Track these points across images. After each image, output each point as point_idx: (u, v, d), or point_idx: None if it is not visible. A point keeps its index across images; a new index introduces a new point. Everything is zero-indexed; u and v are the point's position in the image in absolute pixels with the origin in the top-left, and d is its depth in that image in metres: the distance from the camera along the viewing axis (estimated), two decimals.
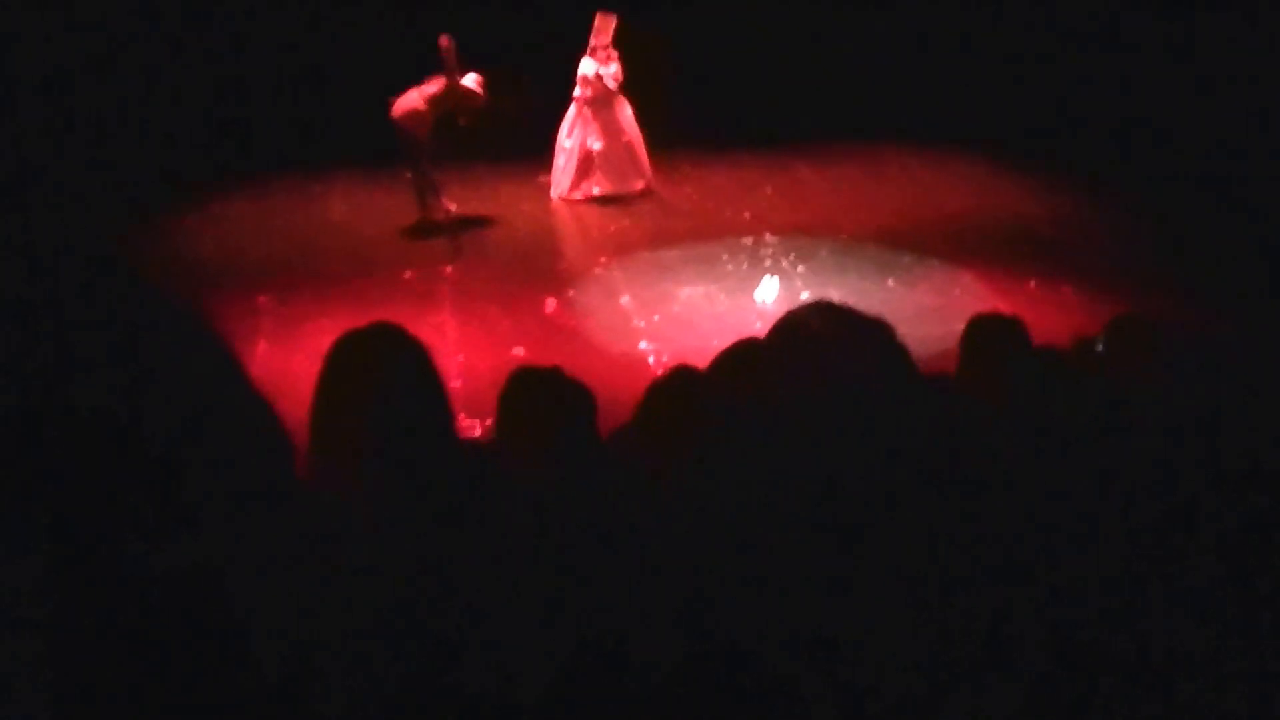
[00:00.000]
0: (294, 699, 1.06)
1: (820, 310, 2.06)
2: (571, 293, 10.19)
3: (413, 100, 11.32)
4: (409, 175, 11.82)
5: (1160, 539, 2.23)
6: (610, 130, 12.47)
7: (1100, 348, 2.98)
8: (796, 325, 2.08)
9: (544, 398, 4.11)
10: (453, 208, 11.94)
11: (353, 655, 1.13)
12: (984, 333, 4.13)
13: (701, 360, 4.23)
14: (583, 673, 2.13)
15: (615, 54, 12.32)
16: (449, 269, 10.71)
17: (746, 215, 11.91)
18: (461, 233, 11.65)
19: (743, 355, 2.31)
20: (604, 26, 12.24)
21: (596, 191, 12.48)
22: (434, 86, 11.35)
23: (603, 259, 10.96)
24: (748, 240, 11.21)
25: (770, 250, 10.95)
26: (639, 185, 12.58)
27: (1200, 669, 2.02)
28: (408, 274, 10.60)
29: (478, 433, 7.15)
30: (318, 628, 1.08)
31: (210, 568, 1.02)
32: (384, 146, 12.65)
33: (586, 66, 12.34)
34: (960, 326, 4.32)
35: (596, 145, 12.45)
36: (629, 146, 12.54)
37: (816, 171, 13.28)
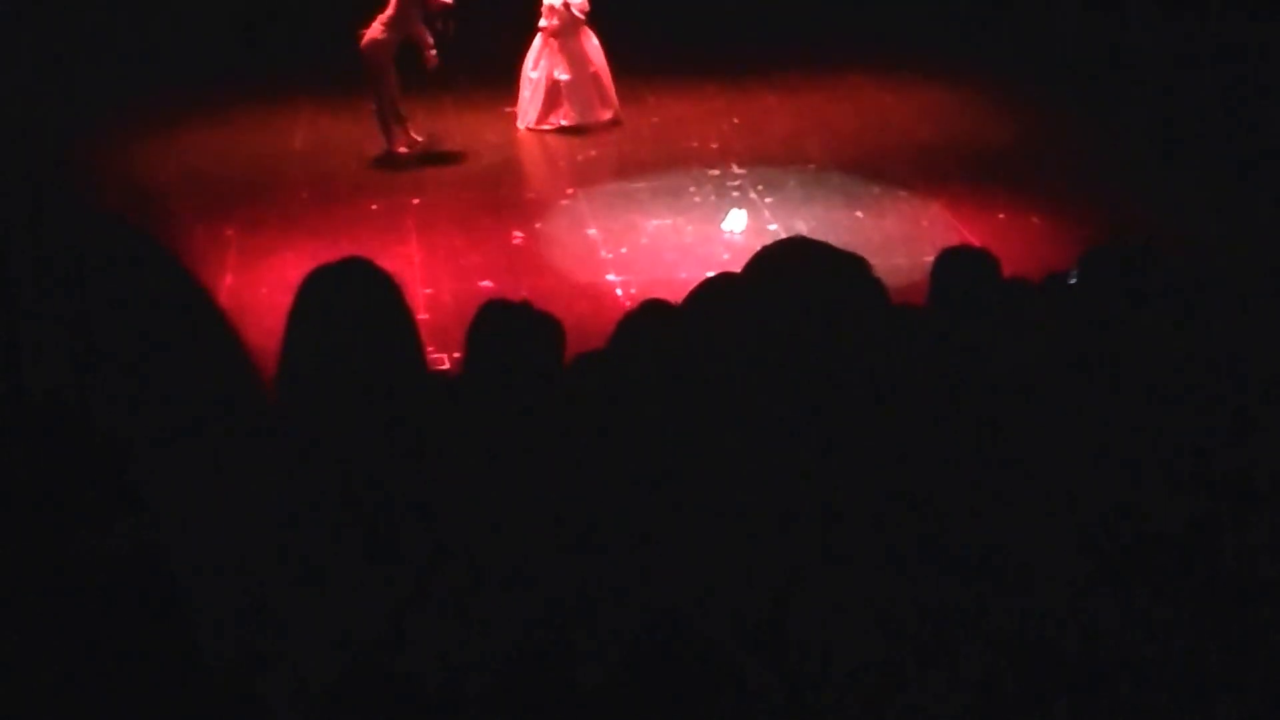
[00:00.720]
0: (241, 688, 1.04)
1: (796, 245, 2.02)
2: (538, 224, 10.14)
3: (374, 29, 11.15)
4: (373, 107, 11.70)
5: (1111, 538, 2.26)
6: (577, 61, 12.32)
7: (1073, 280, 2.98)
8: (772, 260, 2.04)
9: (514, 330, 4.12)
10: (419, 139, 11.83)
11: (298, 641, 1.08)
12: (955, 265, 4.12)
13: (668, 292, 4.23)
14: (527, 665, 2.14)
15: None
16: (415, 200, 10.64)
17: (713, 146, 11.86)
18: (427, 164, 11.56)
19: (718, 290, 2.28)
20: None
21: (564, 122, 12.37)
22: (390, 8, 11.15)
23: (570, 190, 10.90)
24: (714, 171, 11.17)
25: (737, 181, 10.92)
26: (606, 115, 12.48)
27: (1147, 672, 2.05)
28: (374, 205, 10.54)
29: (446, 366, 7.15)
30: (264, 614, 1.06)
31: (156, 550, 0.99)
32: (347, 74, 12.54)
33: None
34: (929, 258, 4.34)
35: (563, 76, 12.31)
36: (595, 77, 12.41)
37: (782, 101, 13.19)
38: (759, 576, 1.77)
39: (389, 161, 11.56)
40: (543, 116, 12.40)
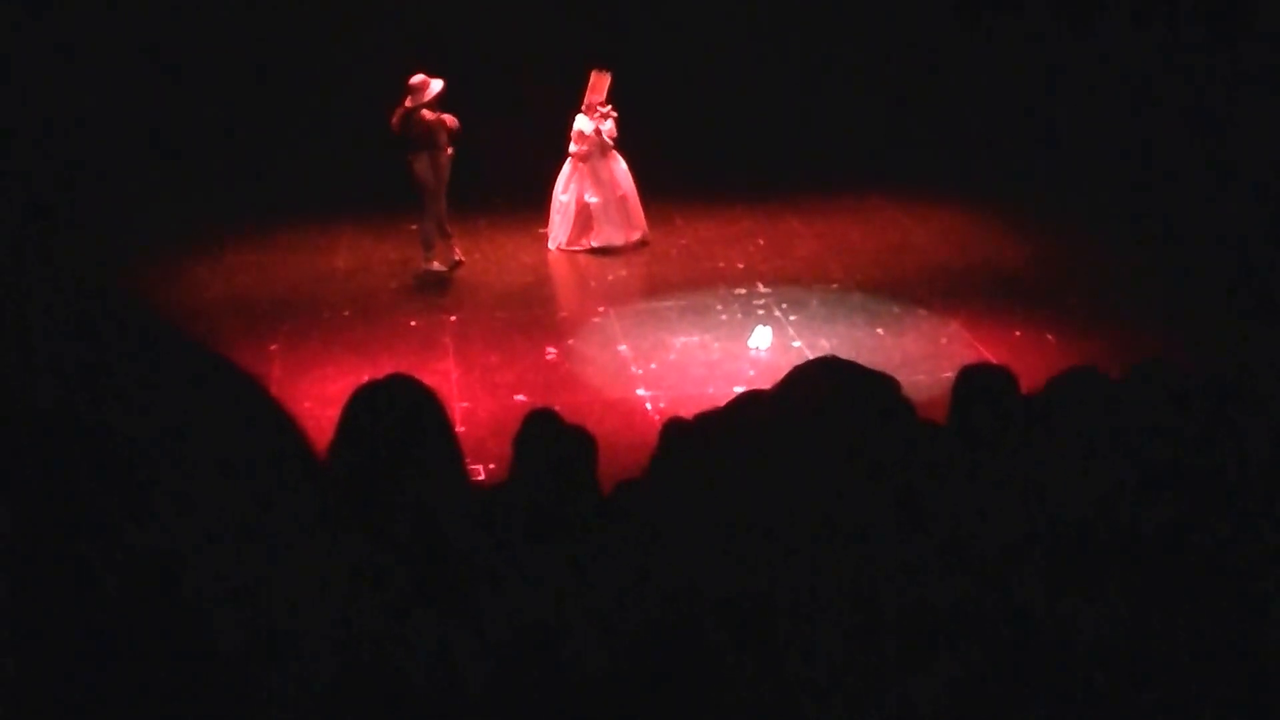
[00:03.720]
0: (245, 687, 1.05)
1: (828, 365, 2.10)
2: (571, 341, 10.39)
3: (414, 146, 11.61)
4: (414, 227, 12.12)
5: (1086, 538, 2.37)
6: (606, 184, 12.65)
7: None
8: (805, 379, 2.11)
9: (552, 440, 4.37)
10: (461, 259, 12.24)
11: (300, 640, 1.11)
12: (975, 381, 4.20)
13: (696, 407, 4.44)
14: (522, 664, 2.19)
15: (613, 111, 12.54)
16: (452, 318, 10.94)
17: (739, 266, 12.17)
18: (464, 283, 11.90)
19: (752, 407, 2.38)
20: (599, 84, 12.41)
21: (593, 244, 12.67)
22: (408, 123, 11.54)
23: (601, 308, 11.16)
24: (741, 290, 11.46)
25: (762, 300, 11.20)
26: (634, 237, 12.79)
27: (1121, 667, 2.13)
28: (413, 322, 10.84)
29: (481, 476, 7.38)
30: (268, 615, 1.08)
31: (167, 555, 1.01)
32: (387, 197, 12.97)
33: (582, 123, 12.53)
34: (948, 374, 4.50)
35: (593, 199, 12.63)
36: (624, 200, 12.72)
37: (806, 223, 13.54)
38: (749, 574, 1.80)
39: (427, 280, 11.92)
40: (573, 239, 12.72)
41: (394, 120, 11.49)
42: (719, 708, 1.73)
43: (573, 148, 12.66)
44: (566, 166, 12.78)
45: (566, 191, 12.77)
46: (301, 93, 14.76)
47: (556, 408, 5.93)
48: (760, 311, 10.91)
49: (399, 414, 3.04)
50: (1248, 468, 2.72)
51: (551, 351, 10.15)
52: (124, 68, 14.45)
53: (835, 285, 11.58)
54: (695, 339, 10.35)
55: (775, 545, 1.88)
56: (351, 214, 13.83)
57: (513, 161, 13.46)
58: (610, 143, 12.61)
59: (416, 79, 11.50)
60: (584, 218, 12.69)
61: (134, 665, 1.00)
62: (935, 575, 1.92)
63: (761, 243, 12.95)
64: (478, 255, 12.60)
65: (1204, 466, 2.62)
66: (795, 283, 11.64)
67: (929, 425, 3.84)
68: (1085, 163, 14.01)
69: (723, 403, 3.39)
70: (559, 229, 12.83)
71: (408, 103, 11.45)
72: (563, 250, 12.77)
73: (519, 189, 13.74)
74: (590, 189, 12.66)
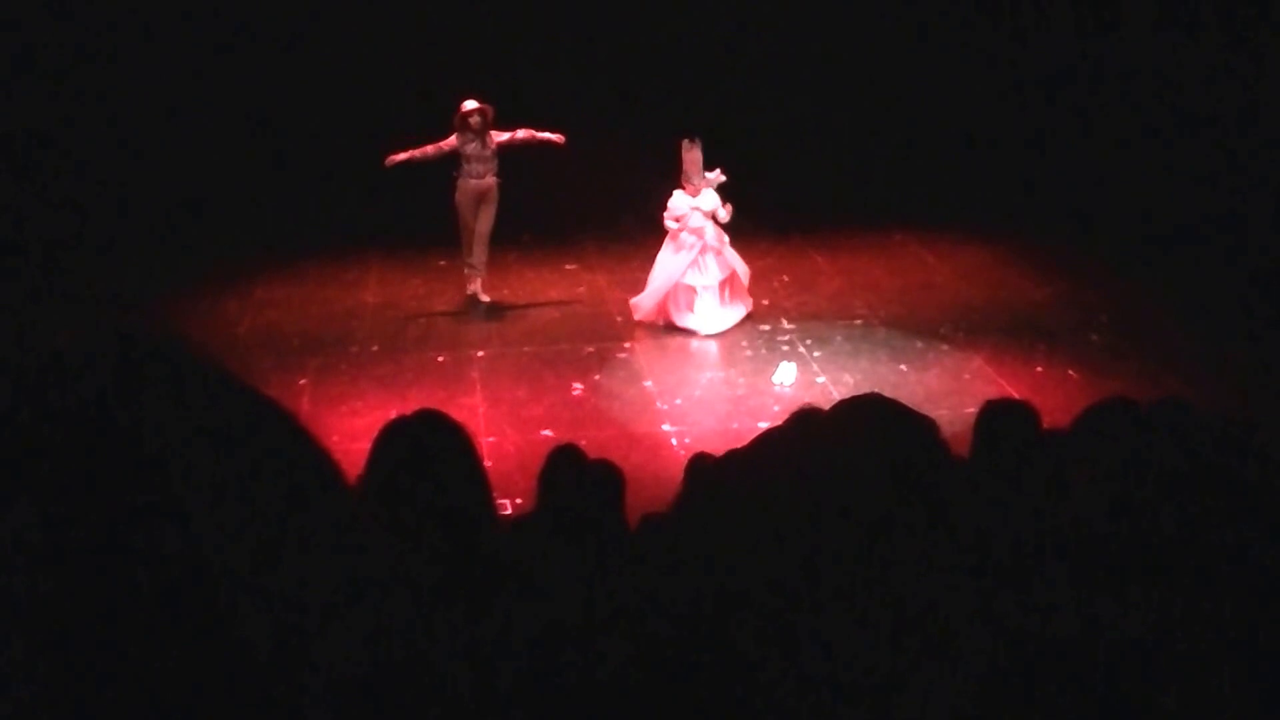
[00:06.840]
0: (277, 684, 1.07)
1: (867, 403, 2.08)
2: (597, 376, 10.44)
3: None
4: (443, 263, 12.28)
5: (1110, 533, 2.40)
6: (710, 266, 11.55)
7: None
8: (846, 415, 2.07)
9: (579, 475, 4.47)
10: (473, 292, 12.31)
11: (332, 638, 1.12)
12: (997, 417, 4.33)
13: (721, 442, 4.54)
14: (552, 658, 2.20)
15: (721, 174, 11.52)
16: (480, 353, 10.99)
17: (764, 302, 12.20)
18: (492, 318, 11.99)
19: (779, 443, 2.36)
20: (692, 157, 11.45)
21: (690, 327, 11.45)
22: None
23: (627, 344, 11.22)
24: (765, 327, 11.53)
25: (787, 336, 11.27)
26: (733, 323, 11.58)
27: (1147, 663, 2.16)
28: (440, 358, 10.90)
29: (508, 511, 7.44)
30: (300, 613, 1.09)
31: (200, 554, 1.03)
32: (418, 232, 13.10)
33: (679, 199, 11.58)
34: (970, 410, 4.56)
35: (691, 280, 11.51)
36: (728, 282, 11.66)
37: (830, 260, 13.62)
38: (773, 572, 1.80)
39: (455, 315, 12.03)
40: (659, 313, 11.66)
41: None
42: (743, 706, 1.74)
43: (670, 224, 11.60)
44: (686, 244, 11.53)
45: (669, 267, 11.60)
46: (333, 126, 14.90)
47: (583, 443, 6.02)
48: (785, 348, 10.97)
49: (427, 450, 3.07)
50: (1269, 473, 2.76)
51: (578, 387, 10.21)
52: (156, 99, 14.68)
53: (859, 321, 11.65)
54: (720, 375, 10.43)
55: (799, 545, 1.88)
56: (381, 248, 13.97)
57: (542, 198, 13.54)
58: (725, 218, 11.56)
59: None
60: (678, 297, 11.56)
61: (166, 661, 1.01)
62: (960, 574, 1.91)
63: (786, 279, 13.03)
64: (506, 290, 12.67)
65: (1226, 475, 2.66)
66: (819, 319, 11.71)
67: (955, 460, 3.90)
68: (1108, 200, 14.07)
69: (747, 439, 3.38)
70: (647, 299, 11.71)
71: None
72: (645, 321, 11.74)
73: (547, 225, 13.87)
74: (691, 268, 11.51)
